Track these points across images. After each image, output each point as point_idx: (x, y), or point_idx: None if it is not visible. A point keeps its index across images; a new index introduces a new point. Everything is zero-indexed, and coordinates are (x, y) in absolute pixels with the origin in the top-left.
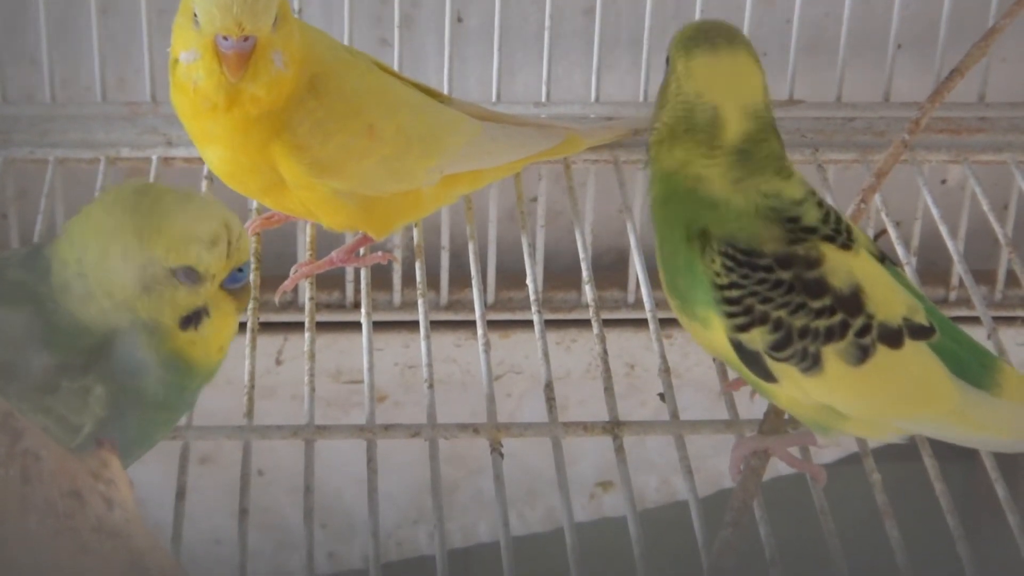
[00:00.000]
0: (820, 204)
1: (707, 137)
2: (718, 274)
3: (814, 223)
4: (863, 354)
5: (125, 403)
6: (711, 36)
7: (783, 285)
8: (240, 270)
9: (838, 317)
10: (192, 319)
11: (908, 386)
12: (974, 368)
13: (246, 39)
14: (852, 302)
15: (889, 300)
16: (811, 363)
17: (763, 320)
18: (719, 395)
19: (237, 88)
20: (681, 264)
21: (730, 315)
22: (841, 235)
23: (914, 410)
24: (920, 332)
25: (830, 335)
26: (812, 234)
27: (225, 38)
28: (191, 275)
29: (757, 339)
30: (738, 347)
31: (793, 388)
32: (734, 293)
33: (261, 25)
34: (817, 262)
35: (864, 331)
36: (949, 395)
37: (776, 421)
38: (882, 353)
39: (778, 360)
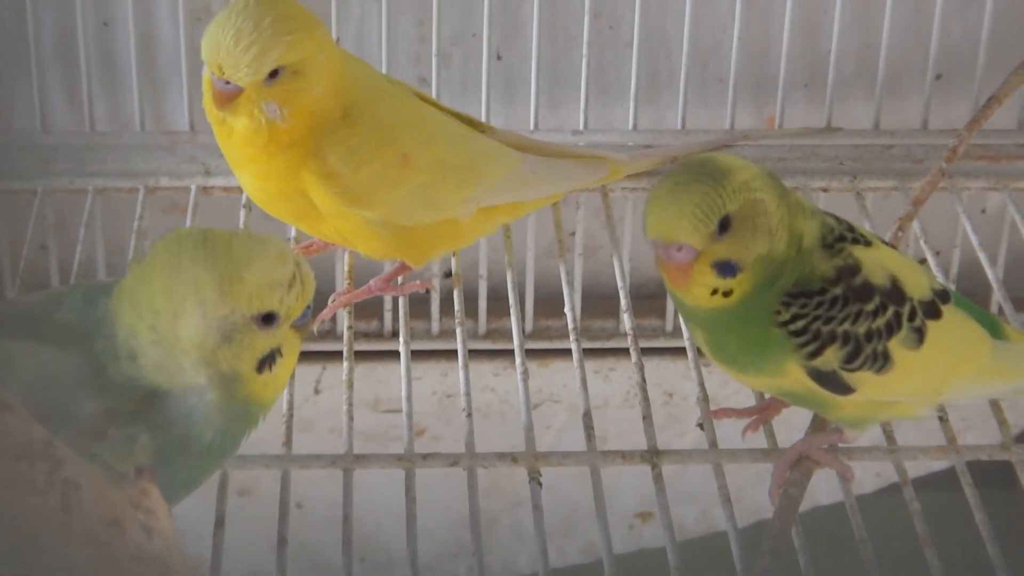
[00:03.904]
0: (828, 214)
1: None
2: (778, 312)
3: (839, 231)
4: (920, 336)
5: (173, 452)
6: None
7: (839, 301)
8: (308, 306)
9: (891, 311)
10: (268, 360)
11: (957, 348)
12: (985, 320)
13: (227, 83)
14: (895, 293)
15: (916, 278)
16: (883, 362)
17: (832, 339)
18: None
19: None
20: (754, 344)
21: (801, 346)
22: (855, 234)
23: (963, 368)
24: (945, 296)
25: (890, 330)
26: (842, 242)
27: (213, 73)
28: (271, 319)
29: (831, 358)
30: (815, 374)
31: (871, 391)
32: (799, 324)
33: (242, 77)
34: (857, 267)
35: (912, 315)
36: (985, 343)
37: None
38: (931, 328)
39: (853, 371)
